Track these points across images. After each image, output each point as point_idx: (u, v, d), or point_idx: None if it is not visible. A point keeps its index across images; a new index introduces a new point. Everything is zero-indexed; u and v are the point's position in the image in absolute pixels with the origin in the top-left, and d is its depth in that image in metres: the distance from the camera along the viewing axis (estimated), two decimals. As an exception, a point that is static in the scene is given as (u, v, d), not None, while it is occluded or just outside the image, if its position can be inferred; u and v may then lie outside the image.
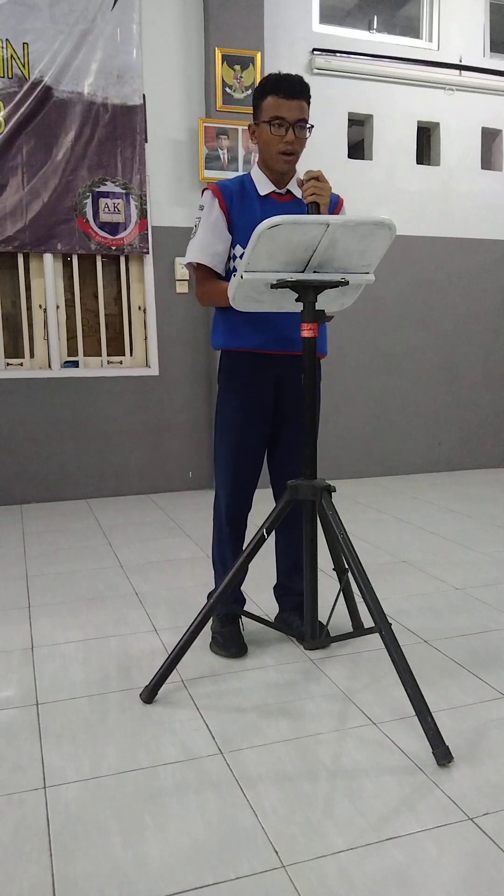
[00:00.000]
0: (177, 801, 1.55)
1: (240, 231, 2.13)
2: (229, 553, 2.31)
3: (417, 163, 5.06)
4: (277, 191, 2.17)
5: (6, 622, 2.58)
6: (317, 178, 1.96)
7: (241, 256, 2.13)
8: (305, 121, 2.08)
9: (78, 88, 4.17)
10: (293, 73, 2.09)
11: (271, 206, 2.15)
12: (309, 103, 2.09)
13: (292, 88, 2.05)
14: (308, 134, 2.11)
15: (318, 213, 1.93)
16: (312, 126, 2.12)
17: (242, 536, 2.34)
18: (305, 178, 1.97)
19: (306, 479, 1.92)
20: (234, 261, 2.16)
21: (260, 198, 2.16)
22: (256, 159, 2.20)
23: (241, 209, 2.14)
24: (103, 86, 4.22)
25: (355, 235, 1.75)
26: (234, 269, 2.14)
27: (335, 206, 2.20)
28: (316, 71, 4.67)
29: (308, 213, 1.94)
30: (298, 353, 2.12)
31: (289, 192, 2.19)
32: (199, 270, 2.19)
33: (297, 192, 2.20)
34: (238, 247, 2.14)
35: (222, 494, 2.30)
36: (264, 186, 2.16)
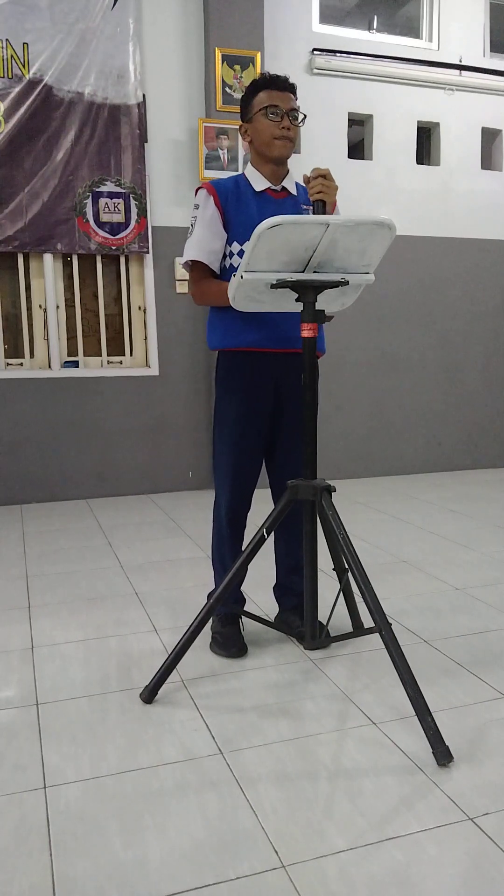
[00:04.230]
0: (177, 801, 1.55)
1: (235, 228, 2.12)
2: (229, 553, 2.31)
3: (417, 163, 5.06)
4: (273, 187, 2.16)
5: (6, 622, 2.58)
6: (324, 175, 1.96)
7: (238, 254, 2.13)
8: (297, 110, 2.13)
9: (78, 88, 4.17)
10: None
11: (267, 202, 2.14)
12: (296, 100, 2.15)
13: (284, 83, 2.13)
14: (301, 124, 2.16)
15: (324, 210, 1.94)
16: (305, 116, 2.17)
17: (242, 537, 2.34)
18: (313, 175, 1.97)
19: (306, 479, 1.92)
20: (230, 258, 2.15)
21: (255, 194, 2.15)
22: (249, 159, 2.22)
23: (237, 206, 2.13)
24: (103, 86, 4.22)
25: (355, 235, 1.75)
26: (231, 267, 2.14)
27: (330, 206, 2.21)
28: (316, 71, 4.67)
29: (313, 211, 1.94)
30: (297, 350, 2.11)
31: (284, 188, 2.18)
32: (195, 269, 2.18)
33: (293, 190, 2.20)
34: (235, 244, 2.13)
35: (222, 495, 2.30)
36: (259, 183, 2.16)
